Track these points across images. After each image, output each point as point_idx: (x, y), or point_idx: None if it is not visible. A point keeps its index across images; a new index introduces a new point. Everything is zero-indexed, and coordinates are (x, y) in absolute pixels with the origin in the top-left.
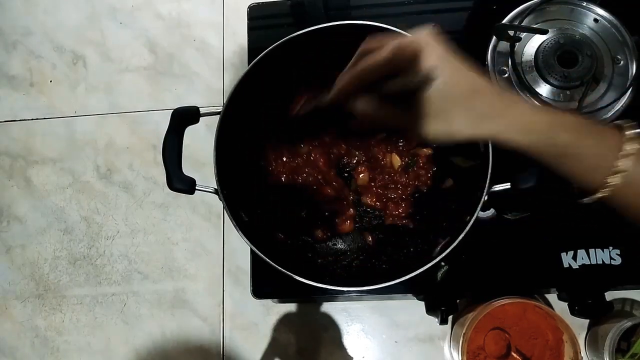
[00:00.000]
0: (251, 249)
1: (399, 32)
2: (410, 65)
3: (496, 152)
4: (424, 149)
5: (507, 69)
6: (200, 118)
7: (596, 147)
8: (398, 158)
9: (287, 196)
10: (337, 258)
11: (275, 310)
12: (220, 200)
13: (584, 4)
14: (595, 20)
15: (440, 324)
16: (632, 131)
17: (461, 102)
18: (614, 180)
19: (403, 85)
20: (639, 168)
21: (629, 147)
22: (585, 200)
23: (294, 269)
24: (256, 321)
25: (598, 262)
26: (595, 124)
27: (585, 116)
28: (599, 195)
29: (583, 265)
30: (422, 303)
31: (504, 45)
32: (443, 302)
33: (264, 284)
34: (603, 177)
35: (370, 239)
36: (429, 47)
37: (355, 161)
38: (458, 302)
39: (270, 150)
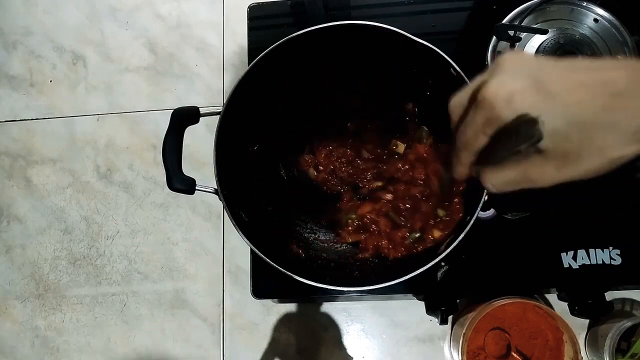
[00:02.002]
0: (251, 249)
1: (480, 82)
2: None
3: None
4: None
5: None
6: (200, 118)
7: None
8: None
9: (288, 196)
10: (337, 258)
11: (275, 310)
12: (220, 200)
13: (584, 4)
14: (595, 20)
15: (440, 324)
16: None
17: (601, 123)
18: None
19: (518, 150)
20: None
21: None
22: None
23: (294, 269)
24: (256, 321)
25: (598, 262)
26: None
27: None
28: None
29: (583, 265)
30: (422, 303)
31: (504, 45)
32: (443, 302)
33: (264, 284)
34: None
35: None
36: (514, 89)
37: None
38: (458, 302)
39: (274, 149)
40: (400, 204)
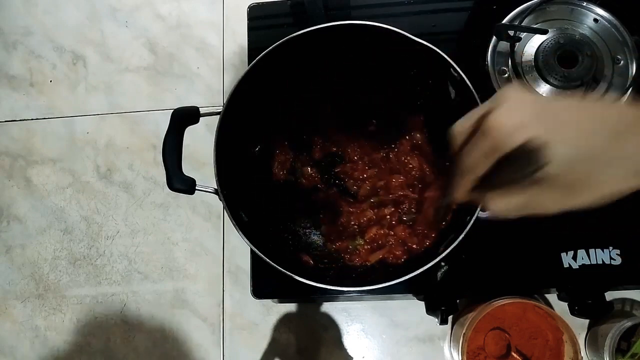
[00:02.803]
0: (251, 249)
1: (483, 107)
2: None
3: None
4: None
5: (507, 69)
6: (200, 118)
7: None
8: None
9: (287, 197)
10: (337, 258)
11: (275, 310)
12: (220, 200)
13: (584, 4)
14: (595, 20)
15: (440, 324)
16: None
17: (605, 158)
18: None
19: (523, 175)
20: None
21: None
22: None
23: (294, 269)
24: (256, 321)
25: (598, 262)
26: None
27: None
28: None
29: (583, 265)
30: (422, 303)
31: (504, 45)
32: (443, 302)
33: (264, 284)
34: None
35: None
36: (522, 119)
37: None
38: (458, 302)
39: (271, 150)
40: (405, 203)
